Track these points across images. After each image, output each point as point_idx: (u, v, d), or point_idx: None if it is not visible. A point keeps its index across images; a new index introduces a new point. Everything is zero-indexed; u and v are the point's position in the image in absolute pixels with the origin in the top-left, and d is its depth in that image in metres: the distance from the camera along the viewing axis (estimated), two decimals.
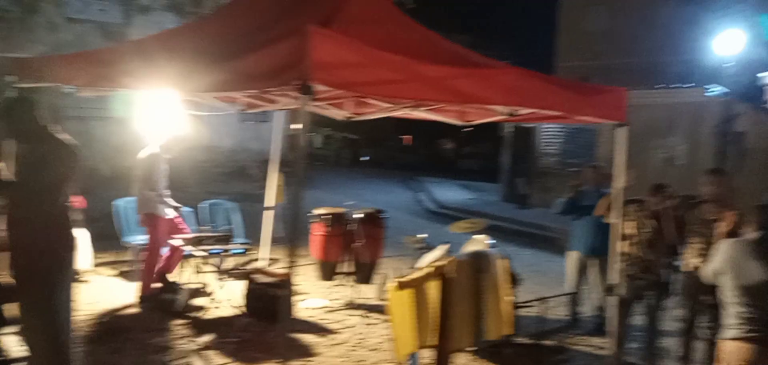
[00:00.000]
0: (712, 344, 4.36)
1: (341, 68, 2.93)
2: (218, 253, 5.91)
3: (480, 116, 5.08)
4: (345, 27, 3.31)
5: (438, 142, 31.62)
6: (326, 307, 6.23)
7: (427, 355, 4.10)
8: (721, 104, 12.66)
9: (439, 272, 3.72)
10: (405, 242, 6.11)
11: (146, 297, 5.83)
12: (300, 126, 2.98)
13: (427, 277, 3.74)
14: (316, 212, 6.65)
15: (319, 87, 2.87)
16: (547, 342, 5.67)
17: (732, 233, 3.96)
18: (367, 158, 30.69)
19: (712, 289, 3.86)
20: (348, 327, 5.73)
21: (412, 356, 4.09)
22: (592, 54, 18.99)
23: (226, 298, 5.85)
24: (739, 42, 12.93)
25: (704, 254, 4.38)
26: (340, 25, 3.33)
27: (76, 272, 5.67)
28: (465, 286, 3.85)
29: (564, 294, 6.36)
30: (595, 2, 19.34)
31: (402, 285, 3.69)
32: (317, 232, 6.56)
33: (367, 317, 5.96)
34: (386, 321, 4.80)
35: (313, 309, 6.15)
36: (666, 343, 5.34)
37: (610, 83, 5.25)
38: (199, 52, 3.88)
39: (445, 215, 14.18)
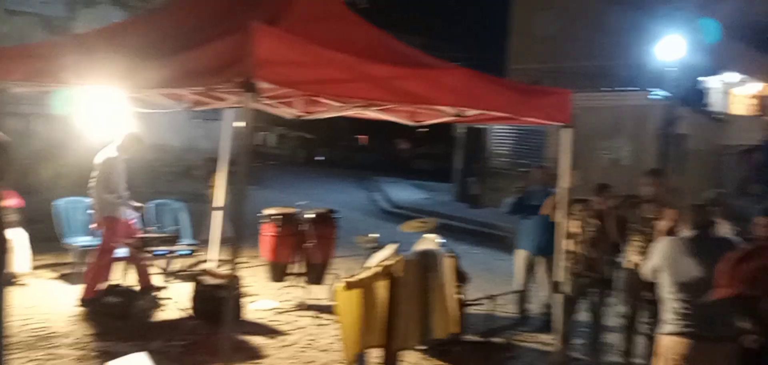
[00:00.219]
0: (651, 339, 4.52)
1: (286, 66, 2.90)
2: (164, 255, 5.76)
3: (429, 117, 5.12)
4: (292, 25, 3.28)
5: (394, 142, 31.71)
6: (276, 308, 6.16)
7: (377, 355, 4.12)
8: (664, 107, 13.15)
9: (387, 272, 3.73)
10: (357, 241, 6.11)
11: (89, 300, 5.63)
12: (244, 124, 2.93)
13: (375, 277, 3.75)
14: (267, 212, 6.57)
15: (263, 85, 2.83)
16: (496, 340, 5.77)
17: (671, 232, 4.12)
18: (322, 157, 30.49)
19: (652, 286, 3.99)
20: (298, 329, 5.68)
21: (361, 356, 4.09)
22: (542, 57, 19.44)
23: (173, 300, 5.70)
24: (681, 47, 13.45)
25: (645, 252, 4.53)
26: (286, 23, 3.29)
27: (12, 276, 5.47)
28: (412, 285, 3.88)
29: (512, 292, 6.49)
30: (544, 7, 19.79)
31: (349, 285, 3.69)
32: (267, 233, 6.48)
33: (318, 318, 5.92)
34: (337, 321, 4.79)
35: (263, 310, 6.07)
36: (609, 338, 5.51)
37: (560, 86, 5.36)
38: (144, 48, 3.77)
39: (399, 214, 14.23)
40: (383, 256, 4.12)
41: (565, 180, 4.77)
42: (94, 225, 5.90)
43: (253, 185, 15.65)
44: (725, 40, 21.52)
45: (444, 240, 5.20)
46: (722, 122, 16.30)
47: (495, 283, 8.16)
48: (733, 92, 24.30)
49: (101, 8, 10.78)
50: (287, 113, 5.64)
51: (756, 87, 25.08)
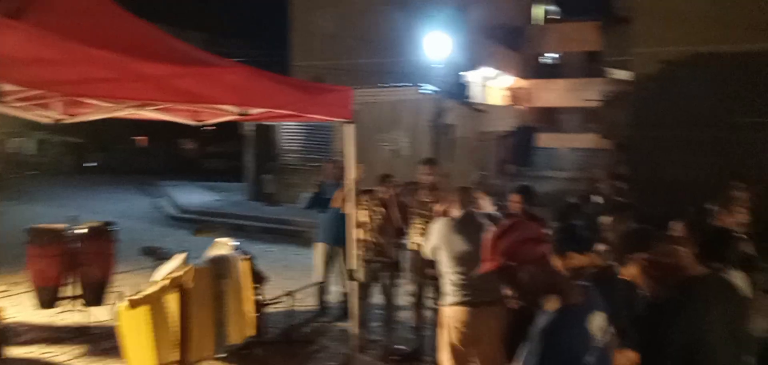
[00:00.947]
0: (437, 311, 4.94)
1: (35, 65, 2.52)
2: None
3: (212, 116, 4.91)
4: (43, 19, 2.86)
5: (178, 142, 29.76)
6: (47, 340, 5.41)
7: None
8: (433, 101, 14.45)
9: (176, 284, 3.50)
10: (142, 254, 5.64)
11: None
12: None
13: (163, 291, 3.50)
14: (29, 229, 5.72)
15: (6, 87, 2.43)
16: (297, 335, 5.81)
17: (446, 214, 4.54)
18: (95, 163, 27.39)
19: (433, 263, 4.36)
20: (78, 357, 5.06)
21: None
22: (324, 54, 20.01)
23: None
24: (446, 45, 14.88)
25: (425, 233, 4.93)
26: (35, 17, 2.86)
27: None
28: (204, 294, 3.70)
29: (311, 285, 6.59)
30: (322, 5, 20.36)
31: (134, 304, 3.38)
32: (32, 254, 5.65)
33: (99, 342, 5.34)
34: (123, 343, 4.36)
35: (30, 345, 5.28)
36: (401, 316, 5.90)
37: (341, 82, 5.54)
38: None
39: (189, 220, 13.49)
40: (171, 267, 3.86)
41: (351, 173, 4.95)
42: None
43: (11, 200, 13.52)
44: (481, 39, 24.42)
45: (238, 242, 5.07)
46: (482, 112, 18.44)
47: (295, 279, 8.20)
48: (489, 85, 27.74)
49: None
50: (43, 116, 4.94)
51: (508, 80, 28.97)
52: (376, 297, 5.77)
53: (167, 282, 3.46)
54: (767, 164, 13.08)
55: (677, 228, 4.33)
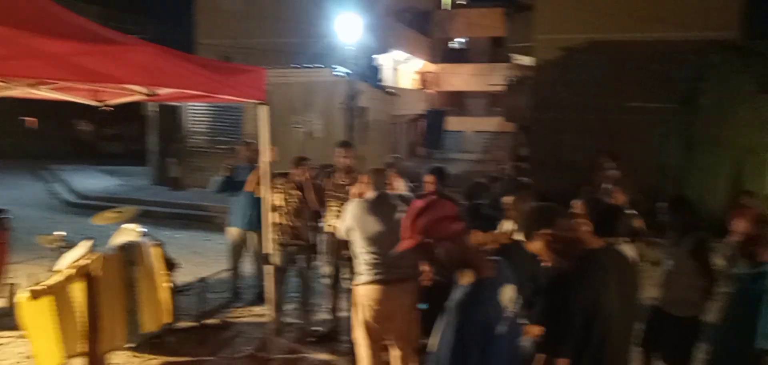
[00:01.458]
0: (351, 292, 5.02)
1: None
2: None
3: (116, 96, 4.67)
4: None
5: (74, 124, 27.83)
6: None
7: (81, 363, 3.67)
8: (346, 83, 14.48)
9: (82, 273, 3.34)
10: (39, 242, 5.28)
11: None
12: None
13: (68, 280, 3.32)
14: None
15: None
16: (211, 322, 5.70)
17: (361, 196, 4.60)
18: None
19: (348, 244, 4.42)
20: None
21: None
22: (232, 33, 19.43)
23: None
24: (357, 28, 14.90)
25: (341, 215, 4.98)
26: None
27: None
28: (114, 282, 3.56)
29: (224, 271, 6.46)
30: None
31: (36, 294, 3.19)
32: None
33: None
34: (23, 336, 4.10)
35: None
36: (318, 299, 5.94)
37: (251, 62, 5.43)
38: None
39: (89, 206, 12.73)
40: (76, 255, 3.66)
41: (265, 156, 4.89)
42: None
43: None
44: (391, 22, 24.65)
45: (145, 229, 4.88)
46: (394, 96, 18.69)
47: (206, 265, 8.01)
48: (400, 69, 28.11)
49: None
50: None
51: (418, 64, 29.48)
52: (292, 281, 5.77)
53: (73, 270, 3.29)
54: (650, 145, 14.24)
55: (577, 206, 4.67)
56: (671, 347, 4.11)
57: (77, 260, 3.45)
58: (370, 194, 3.98)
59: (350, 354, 4.98)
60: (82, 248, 3.76)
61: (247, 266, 6.56)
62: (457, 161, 22.24)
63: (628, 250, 3.28)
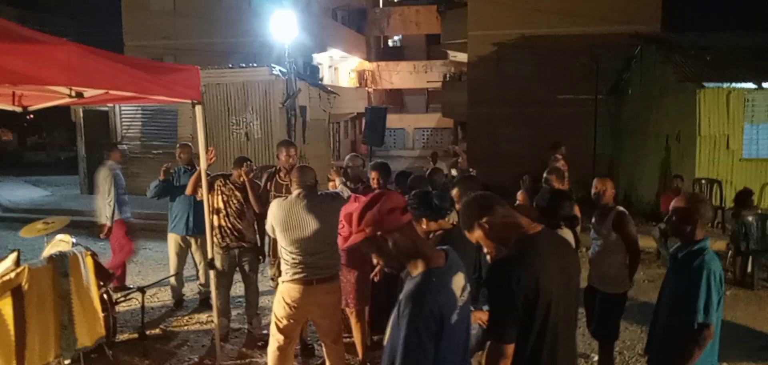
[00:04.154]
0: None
1: None
2: None
3: (40, 100, 4.40)
4: None
5: None
6: None
7: None
8: (285, 82, 14.27)
9: (7, 287, 3.12)
10: None
11: None
12: None
13: None
14: None
15: None
16: (154, 332, 5.48)
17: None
18: None
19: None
20: None
21: None
22: (162, 33, 18.83)
23: None
24: (292, 26, 14.65)
25: None
26: None
27: None
28: (45, 295, 3.35)
29: (165, 278, 6.24)
30: None
31: None
32: None
33: None
34: None
35: None
36: (264, 301, 5.81)
37: (184, 62, 5.25)
38: None
39: (14, 218, 12.04)
40: (1, 269, 3.43)
41: (204, 157, 4.74)
42: None
43: None
44: (327, 20, 24.51)
45: (76, 239, 4.64)
46: (333, 94, 18.58)
47: (144, 274, 7.71)
48: (338, 67, 28.03)
49: None
50: None
51: (355, 62, 29.47)
52: (237, 285, 5.62)
53: None
54: (580, 136, 14.79)
55: (518, 195, 4.79)
56: (599, 321, 4.33)
57: (2, 275, 3.22)
58: (294, 192, 3.91)
59: (300, 355, 4.91)
60: (7, 261, 3.52)
61: (190, 273, 6.35)
62: (398, 157, 22.35)
63: (567, 235, 3.38)
